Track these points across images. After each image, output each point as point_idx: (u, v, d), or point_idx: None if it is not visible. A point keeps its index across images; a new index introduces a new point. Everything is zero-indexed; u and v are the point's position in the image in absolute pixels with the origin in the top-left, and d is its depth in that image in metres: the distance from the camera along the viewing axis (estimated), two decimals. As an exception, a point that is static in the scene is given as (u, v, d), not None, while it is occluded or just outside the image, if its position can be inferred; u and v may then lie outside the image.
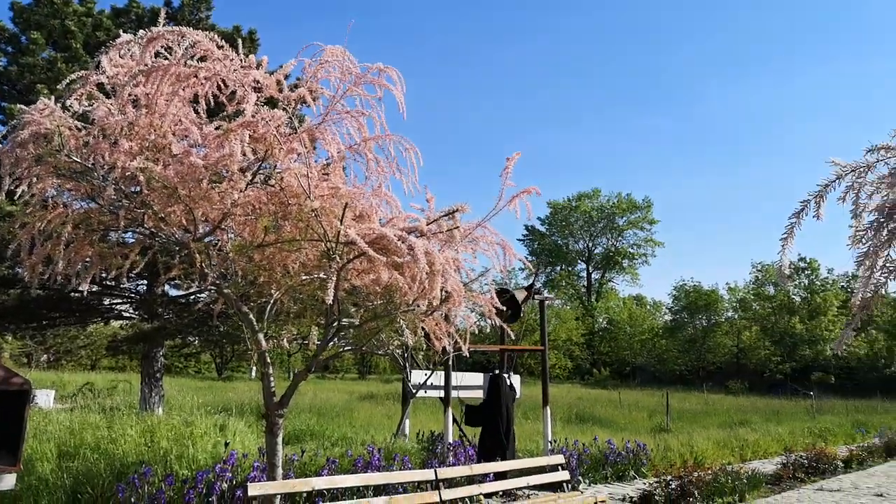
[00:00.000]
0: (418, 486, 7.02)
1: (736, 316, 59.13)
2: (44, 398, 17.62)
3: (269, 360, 5.06)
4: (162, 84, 3.96)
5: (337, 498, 6.47)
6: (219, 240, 4.80)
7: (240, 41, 4.47)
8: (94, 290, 14.30)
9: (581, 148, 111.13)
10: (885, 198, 2.66)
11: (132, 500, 5.93)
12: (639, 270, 74.32)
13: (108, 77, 4.09)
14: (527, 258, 6.50)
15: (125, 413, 12.12)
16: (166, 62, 3.97)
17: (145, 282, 15.21)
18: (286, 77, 4.43)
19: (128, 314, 16.12)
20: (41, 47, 14.17)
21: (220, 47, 4.10)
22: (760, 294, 56.76)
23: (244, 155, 3.99)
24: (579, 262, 76.61)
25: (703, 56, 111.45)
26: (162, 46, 4.05)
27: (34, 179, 4.18)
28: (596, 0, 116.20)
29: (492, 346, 10.66)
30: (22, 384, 4.47)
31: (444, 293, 4.37)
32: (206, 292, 10.00)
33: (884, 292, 2.50)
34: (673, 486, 8.24)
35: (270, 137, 4.13)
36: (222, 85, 4.23)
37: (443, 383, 9.37)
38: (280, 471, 5.09)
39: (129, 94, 4.04)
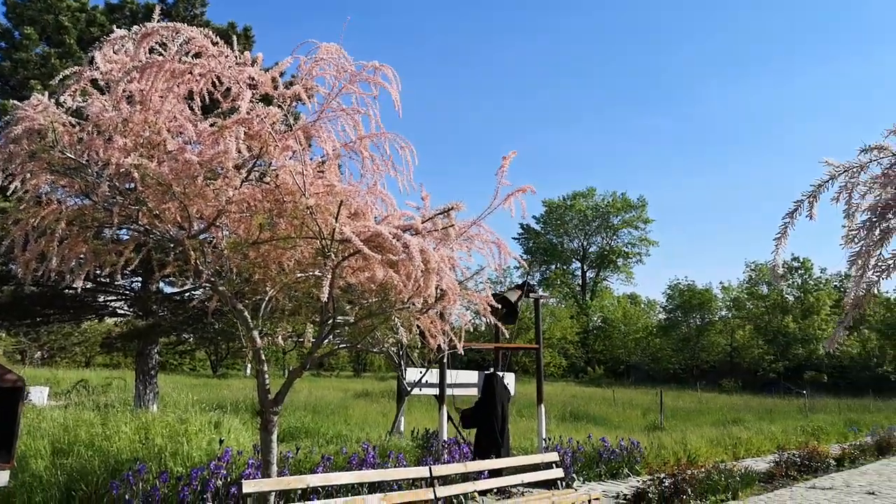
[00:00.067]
0: (413, 484, 7.02)
1: (730, 315, 59.31)
2: (38, 395, 17.58)
3: (263, 358, 5.06)
4: (156, 80, 3.94)
5: (332, 495, 6.47)
6: (214, 237, 4.79)
7: (234, 38, 4.46)
8: (88, 286, 14.24)
9: (580, 147, 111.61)
10: (878, 197, 2.67)
11: (126, 497, 5.92)
12: (633, 269, 74.62)
13: (102, 73, 4.08)
14: (522, 256, 6.47)
15: (120, 410, 12.09)
16: (161, 58, 3.95)
17: (140, 279, 15.17)
18: (282, 74, 4.42)
19: (122, 311, 16.08)
20: (35, 43, 14.09)
21: (214, 44, 4.09)
22: (754, 293, 56.97)
23: (239, 152, 3.98)
24: (574, 260, 76.79)
25: (702, 56, 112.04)
26: (156, 42, 4.04)
27: (28, 176, 4.17)
28: (596, 0, 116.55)
29: (487, 345, 10.68)
30: (15, 381, 4.46)
31: (439, 291, 4.37)
32: (201, 289, 9.96)
33: (876, 291, 2.51)
34: (666, 484, 8.27)
35: (265, 134, 4.12)
36: (217, 82, 4.22)
37: (438, 381, 9.38)
38: (275, 468, 5.09)
39: (124, 91, 4.03)
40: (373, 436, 10.91)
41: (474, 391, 9.99)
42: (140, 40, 3.94)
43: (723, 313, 60.77)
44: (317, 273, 4.58)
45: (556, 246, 75.57)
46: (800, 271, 56.37)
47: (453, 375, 9.60)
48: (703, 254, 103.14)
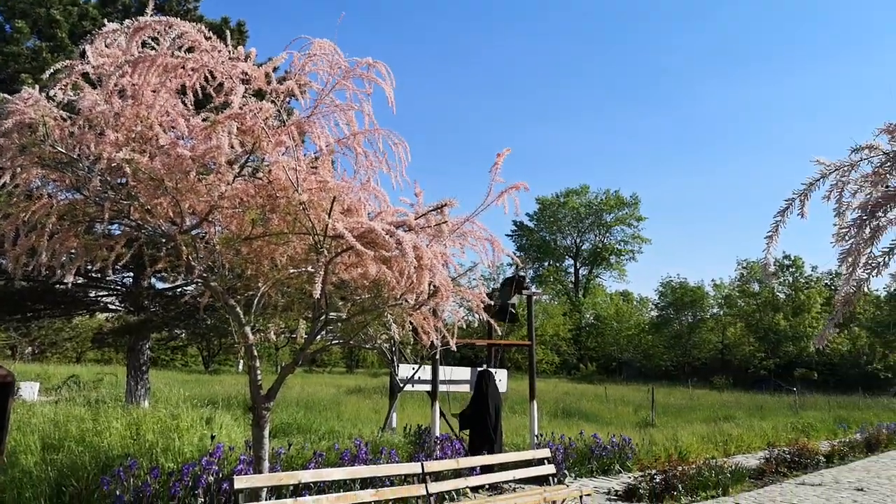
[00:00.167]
0: (405, 480, 7.03)
1: (721, 312, 59.64)
2: (28, 390, 17.49)
3: (256, 354, 5.05)
4: (149, 75, 3.92)
5: (324, 491, 6.47)
6: (206, 232, 4.78)
7: (228, 33, 4.44)
8: (79, 282, 14.15)
9: (574, 145, 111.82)
10: (869, 196, 2.69)
11: (117, 492, 5.90)
12: (626, 267, 74.93)
13: (93, 67, 4.05)
14: (515, 253, 6.49)
15: (111, 406, 12.02)
16: (153, 52, 3.93)
17: (131, 274, 15.09)
18: (275, 70, 4.40)
19: (114, 306, 15.99)
20: (26, 36, 13.96)
21: (207, 38, 4.07)
22: (745, 291, 57.26)
23: (232, 147, 3.97)
24: (567, 257, 77.01)
25: (698, 54, 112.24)
26: (149, 36, 4.02)
27: (18, 170, 4.13)
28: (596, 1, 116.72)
29: (479, 341, 10.69)
30: (5, 376, 4.44)
31: (432, 288, 4.37)
32: (193, 285, 9.94)
33: (866, 289, 2.53)
34: (657, 480, 8.32)
35: (258, 130, 4.10)
36: (210, 76, 4.20)
37: (430, 377, 9.39)
38: (267, 464, 5.08)
39: (116, 85, 4.00)
40: (365, 432, 10.91)
41: (467, 387, 10.01)
42: (132, 34, 3.91)
43: (714, 311, 61.13)
44: (309, 269, 4.57)
45: (550, 243, 75.75)
46: (791, 269, 56.68)
47: (446, 372, 9.62)
48: (695, 251, 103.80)
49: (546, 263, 75.52)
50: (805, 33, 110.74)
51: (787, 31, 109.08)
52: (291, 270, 4.79)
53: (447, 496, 7.45)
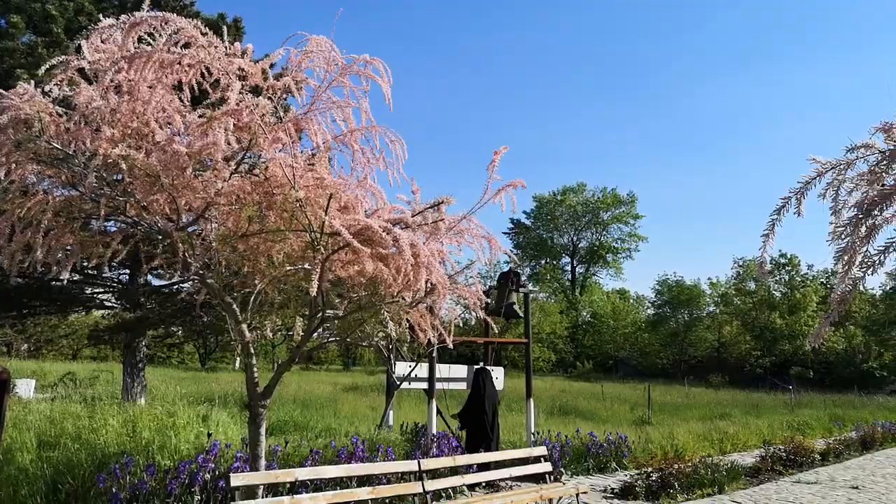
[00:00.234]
0: (402, 477, 7.04)
1: (717, 311, 59.72)
2: (24, 388, 17.43)
3: (252, 351, 5.04)
4: (145, 70, 3.90)
5: (320, 488, 6.47)
6: (202, 229, 4.76)
7: (224, 29, 4.42)
8: (75, 278, 14.15)
9: (578, 145, 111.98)
10: (865, 194, 2.70)
11: (113, 490, 5.89)
12: (623, 265, 75.01)
13: (89, 63, 4.03)
14: (512, 251, 6.50)
15: (107, 403, 12.02)
16: (149, 48, 3.91)
17: (127, 271, 15.06)
18: (272, 66, 4.39)
19: (110, 303, 15.98)
20: (21, 31, 13.91)
21: (204, 34, 4.06)
22: (742, 289, 57.32)
23: (228, 144, 3.96)
24: (564, 255, 77.04)
25: (696, 54, 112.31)
26: (145, 32, 4.00)
27: (13, 166, 4.11)
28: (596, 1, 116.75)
29: (476, 339, 10.70)
30: (1, 373, 4.42)
31: (428, 285, 4.37)
32: (190, 282, 9.91)
33: (862, 287, 2.54)
34: (653, 478, 8.34)
35: (255, 126, 4.09)
36: (206, 73, 4.18)
37: (427, 375, 9.39)
38: (263, 461, 5.08)
39: (112, 81, 3.98)
40: (362, 429, 10.90)
41: (464, 385, 10.02)
42: (128, 30, 3.89)
43: (710, 309, 61.19)
44: (306, 266, 4.57)
45: (546, 241, 75.78)
46: (787, 268, 56.75)
47: (443, 370, 9.62)
48: (691, 250, 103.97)
49: (543, 261, 75.58)
50: (805, 33, 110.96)
51: (787, 32, 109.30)
52: (288, 268, 4.78)
53: (444, 494, 7.45)
